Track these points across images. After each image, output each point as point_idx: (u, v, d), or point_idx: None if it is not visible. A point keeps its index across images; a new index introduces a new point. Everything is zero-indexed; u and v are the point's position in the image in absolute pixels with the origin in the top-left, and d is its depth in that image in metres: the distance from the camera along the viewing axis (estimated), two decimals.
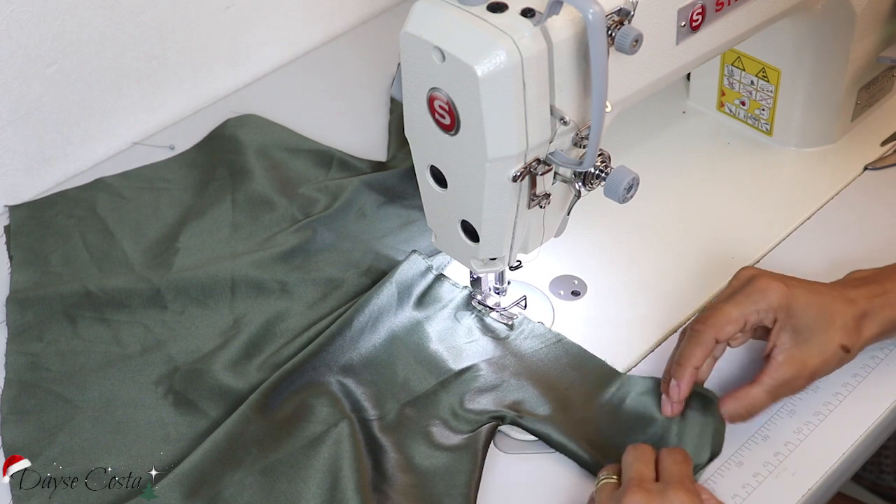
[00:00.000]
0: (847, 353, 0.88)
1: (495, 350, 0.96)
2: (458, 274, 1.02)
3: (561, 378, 0.93)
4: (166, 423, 0.93)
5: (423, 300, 1.00)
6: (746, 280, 0.89)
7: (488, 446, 0.89)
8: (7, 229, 1.13)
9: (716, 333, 0.87)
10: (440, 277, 1.01)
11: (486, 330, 0.98)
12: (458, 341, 0.97)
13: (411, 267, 1.01)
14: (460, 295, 1.00)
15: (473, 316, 0.99)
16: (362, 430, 0.90)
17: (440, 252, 1.01)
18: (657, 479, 0.81)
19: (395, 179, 1.13)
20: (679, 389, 0.87)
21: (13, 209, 1.15)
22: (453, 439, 0.89)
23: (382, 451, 0.89)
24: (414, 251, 1.02)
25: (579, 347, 0.95)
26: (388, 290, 0.99)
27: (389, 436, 0.90)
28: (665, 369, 0.91)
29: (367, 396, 0.93)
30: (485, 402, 0.92)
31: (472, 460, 0.87)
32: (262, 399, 0.91)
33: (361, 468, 0.86)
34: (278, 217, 1.11)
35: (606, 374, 0.93)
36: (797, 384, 0.87)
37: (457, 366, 0.95)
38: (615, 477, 0.82)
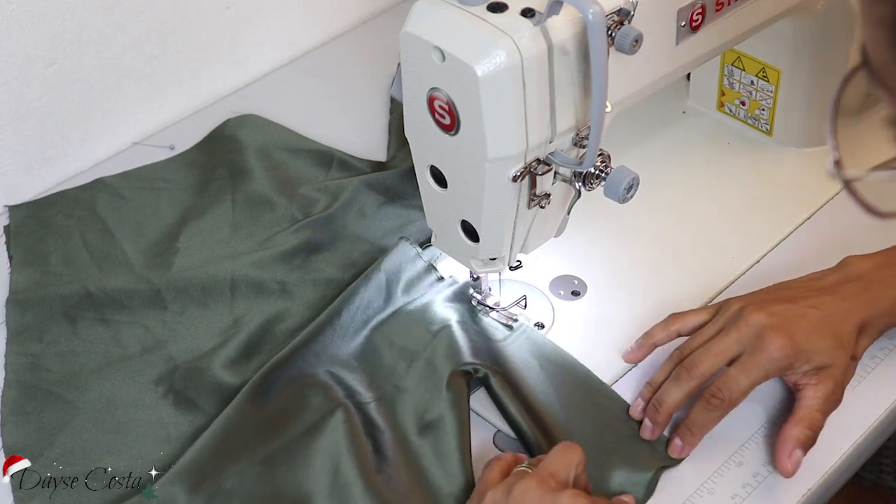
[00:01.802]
0: (854, 360, 0.90)
1: (483, 346, 0.96)
2: (449, 268, 1.02)
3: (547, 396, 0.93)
4: (167, 422, 0.93)
5: (410, 287, 1.00)
6: (749, 337, 0.88)
7: (468, 399, 0.90)
8: (7, 229, 1.13)
9: (731, 406, 0.87)
10: (430, 269, 1.01)
11: (481, 330, 0.98)
12: (438, 318, 0.98)
13: (400, 254, 1.01)
14: (443, 286, 1.00)
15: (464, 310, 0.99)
16: (359, 414, 0.90)
17: (429, 240, 1.01)
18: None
19: (395, 179, 1.13)
20: (682, 451, 0.88)
21: (13, 209, 1.15)
22: (438, 407, 0.90)
23: (380, 433, 0.90)
24: (402, 238, 1.02)
25: (572, 366, 0.94)
26: (376, 279, 0.99)
27: (385, 417, 0.91)
28: (646, 396, 0.90)
29: (359, 381, 0.94)
30: (462, 357, 0.93)
31: (458, 421, 0.88)
32: (254, 390, 0.91)
33: (361, 452, 0.86)
34: (278, 217, 1.11)
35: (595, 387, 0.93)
36: (838, 396, 0.88)
37: (433, 329, 0.96)
38: (531, 470, 0.80)
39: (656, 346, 0.94)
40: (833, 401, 0.88)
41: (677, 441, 0.88)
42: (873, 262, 0.93)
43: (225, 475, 0.87)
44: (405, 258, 1.01)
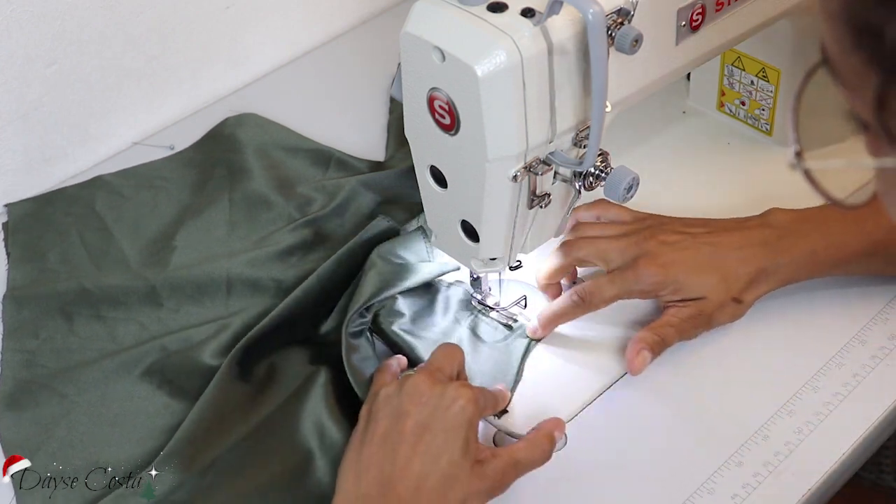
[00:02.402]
0: (739, 303, 0.94)
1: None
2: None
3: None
4: (163, 413, 0.94)
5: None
6: (630, 255, 0.94)
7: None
8: (5, 226, 1.13)
9: (592, 308, 0.95)
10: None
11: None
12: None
13: (375, 228, 1.02)
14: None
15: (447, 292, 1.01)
16: (337, 376, 0.92)
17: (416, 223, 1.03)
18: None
19: (392, 179, 1.13)
20: (535, 333, 0.96)
21: (12, 206, 1.15)
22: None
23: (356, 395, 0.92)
24: (380, 216, 1.04)
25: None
26: (350, 252, 1.01)
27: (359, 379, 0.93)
28: (540, 282, 0.99)
29: (334, 347, 0.95)
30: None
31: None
32: (233, 366, 0.93)
33: (342, 414, 0.89)
34: (275, 216, 1.11)
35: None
36: (697, 324, 0.94)
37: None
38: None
39: (578, 221, 1.00)
40: (691, 326, 0.93)
41: (533, 323, 0.96)
42: (795, 214, 0.97)
43: (215, 451, 0.88)
44: (380, 231, 1.02)
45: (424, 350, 0.93)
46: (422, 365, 0.89)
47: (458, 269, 0.99)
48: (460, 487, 0.79)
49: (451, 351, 0.88)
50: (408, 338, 0.95)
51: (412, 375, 0.84)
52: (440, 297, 1.00)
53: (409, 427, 0.80)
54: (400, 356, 0.93)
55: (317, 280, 0.98)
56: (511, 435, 0.89)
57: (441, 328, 0.97)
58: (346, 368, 0.91)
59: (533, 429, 0.87)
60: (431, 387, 0.82)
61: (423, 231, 1.01)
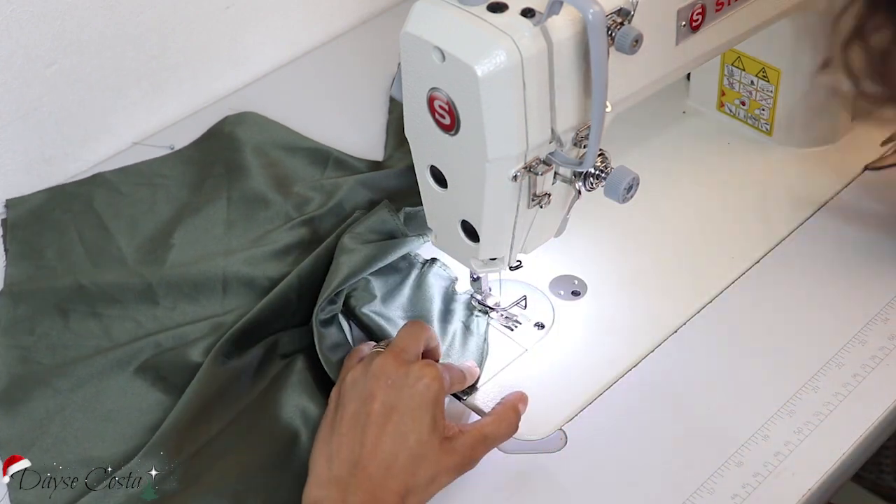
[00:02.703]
0: None
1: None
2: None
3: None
4: (155, 409, 0.94)
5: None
6: None
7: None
8: (4, 223, 1.13)
9: None
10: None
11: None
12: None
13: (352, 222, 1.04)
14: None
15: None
16: (310, 364, 0.94)
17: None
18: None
19: (390, 179, 1.13)
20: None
21: (12, 203, 1.15)
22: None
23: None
24: (357, 211, 1.06)
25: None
26: (330, 246, 1.01)
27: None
28: None
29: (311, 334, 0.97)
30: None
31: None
32: (218, 355, 0.94)
33: (317, 397, 0.91)
34: (272, 215, 1.11)
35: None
36: None
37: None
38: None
39: None
40: None
41: None
42: None
43: (202, 438, 0.89)
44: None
45: (394, 330, 0.94)
46: (387, 344, 0.89)
47: (428, 241, 0.99)
48: (429, 465, 0.80)
49: (415, 330, 0.89)
50: (377, 319, 0.96)
51: (377, 358, 0.85)
52: (413, 274, 1.00)
53: (376, 408, 0.81)
54: (372, 343, 0.94)
55: (296, 276, 0.99)
56: (477, 411, 0.90)
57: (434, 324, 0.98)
58: (320, 356, 0.92)
59: (498, 403, 0.88)
60: (396, 368, 0.83)
61: (388, 205, 1.02)
